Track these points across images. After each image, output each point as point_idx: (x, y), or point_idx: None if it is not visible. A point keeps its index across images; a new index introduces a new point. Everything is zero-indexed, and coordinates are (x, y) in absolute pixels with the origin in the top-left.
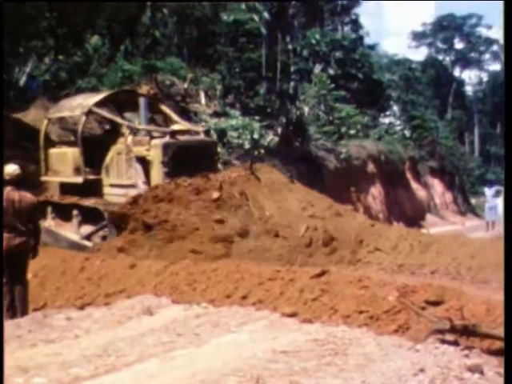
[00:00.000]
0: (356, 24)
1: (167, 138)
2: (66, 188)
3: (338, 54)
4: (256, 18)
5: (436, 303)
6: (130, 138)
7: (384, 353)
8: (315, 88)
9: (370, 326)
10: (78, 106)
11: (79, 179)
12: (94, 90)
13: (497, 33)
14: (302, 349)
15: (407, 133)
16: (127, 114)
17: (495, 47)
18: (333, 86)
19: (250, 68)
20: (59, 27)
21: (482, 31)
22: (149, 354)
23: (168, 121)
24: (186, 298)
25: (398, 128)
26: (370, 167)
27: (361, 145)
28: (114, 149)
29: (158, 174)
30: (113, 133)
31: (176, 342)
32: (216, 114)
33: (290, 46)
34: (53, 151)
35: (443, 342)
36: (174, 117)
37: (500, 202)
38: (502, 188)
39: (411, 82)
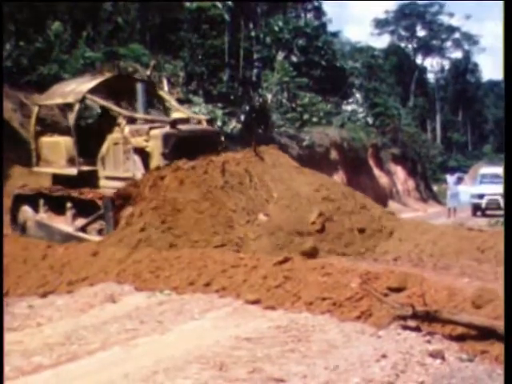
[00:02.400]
0: (319, 11)
1: (167, 128)
2: (58, 179)
3: (301, 42)
4: (219, 4)
5: (398, 290)
6: (127, 129)
7: (347, 339)
8: (278, 75)
9: (333, 313)
10: (71, 92)
11: (73, 171)
12: (56, 77)
13: (458, 21)
14: (265, 336)
15: (370, 120)
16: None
17: (457, 35)
18: (295, 73)
19: (213, 55)
20: (20, 13)
21: (444, 19)
22: (112, 342)
23: (167, 108)
24: (149, 285)
25: (361, 115)
26: (333, 154)
27: (323, 132)
28: (110, 138)
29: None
30: (108, 120)
31: (139, 330)
32: (179, 101)
33: (253, 33)
34: (44, 140)
35: (405, 328)
36: (174, 104)
37: (461, 189)
38: (463, 175)
39: (374, 69)
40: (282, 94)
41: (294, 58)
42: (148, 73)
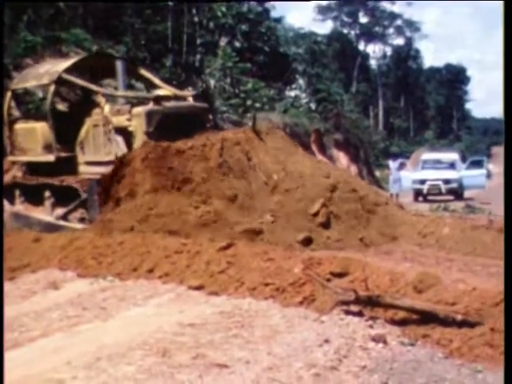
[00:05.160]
0: None
1: (151, 105)
2: (34, 168)
3: (244, 27)
4: None
5: (341, 275)
6: (107, 108)
7: (290, 324)
8: (221, 61)
9: (276, 298)
10: (46, 73)
11: (51, 157)
12: None
13: (400, 7)
14: (209, 321)
15: (313, 106)
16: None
17: (399, 21)
18: (238, 58)
19: (155, 40)
20: None
21: (386, 6)
22: (54, 329)
23: (150, 87)
24: (91, 271)
25: (304, 101)
26: None
27: (267, 118)
28: (90, 121)
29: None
30: (87, 103)
31: (82, 316)
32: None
33: (196, 19)
34: (19, 127)
35: (348, 312)
36: (157, 82)
37: (403, 175)
38: (405, 161)
39: (317, 55)
40: (225, 80)
41: (237, 44)
42: None
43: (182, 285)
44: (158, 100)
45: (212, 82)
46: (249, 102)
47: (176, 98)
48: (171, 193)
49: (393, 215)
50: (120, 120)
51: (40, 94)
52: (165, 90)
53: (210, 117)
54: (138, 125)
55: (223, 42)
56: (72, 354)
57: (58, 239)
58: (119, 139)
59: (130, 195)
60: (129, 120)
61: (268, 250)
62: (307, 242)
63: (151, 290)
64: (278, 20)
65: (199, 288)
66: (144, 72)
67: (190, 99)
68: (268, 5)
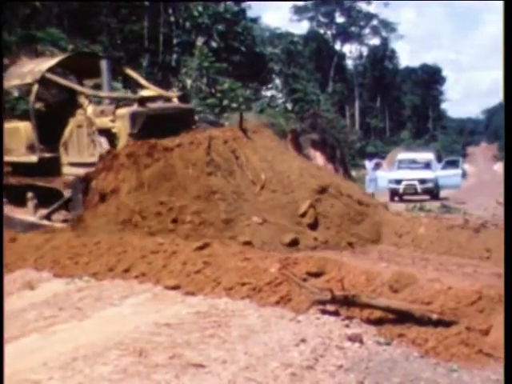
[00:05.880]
0: None
1: (135, 107)
2: (17, 168)
3: (221, 27)
4: None
5: (317, 274)
6: (90, 109)
7: (266, 324)
8: (197, 61)
9: (253, 298)
10: (29, 72)
11: (33, 158)
12: None
13: (376, 8)
14: (185, 321)
15: (289, 106)
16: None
17: (375, 22)
18: (215, 58)
19: (132, 40)
20: None
21: (362, 6)
22: (30, 329)
23: (135, 87)
24: (67, 271)
25: (280, 101)
26: None
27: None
28: (73, 121)
29: None
30: (71, 103)
31: (58, 317)
32: (97, 87)
33: (172, 18)
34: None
35: (324, 312)
36: (143, 82)
37: (379, 175)
38: (381, 160)
39: (293, 55)
40: (202, 80)
41: (214, 44)
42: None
43: (159, 285)
44: (142, 101)
45: (188, 82)
46: (225, 102)
47: (161, 98)
48: (157, 191)
49: (380, 216)
50: (103, 121)
51: (16, 94)
52: (150, 91)
53: (196, 118)
54: (121, 126)
55: (200, 41)
56: (48, 354)
57: (34, 239)
58: (103, 140)
59: (114, 191)
60: (113, 121)
61: (244, 249)
62: (294, 243)
63: (127, 289)
64: (255, 20)
65: (175, 288)
66: (129, 72)
67: (175, 100)
68: (244, 5)
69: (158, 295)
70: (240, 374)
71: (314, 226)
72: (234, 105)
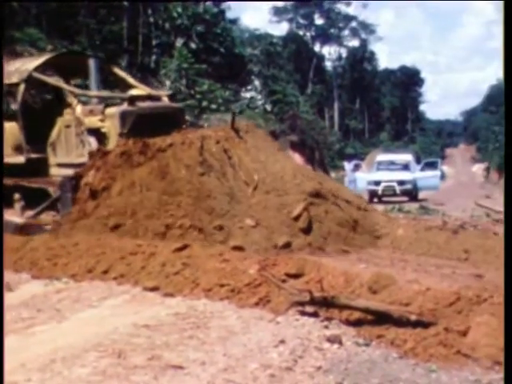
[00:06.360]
0: None
1: (125, 106)
2: (4, 169)
3: (200, 28)
4: None
5: (296, 276)
6: (79, 108)
7: (245, 325)
8: (177, 62)
9: (232, 299)
10: (16, 71)
11: (21, 159)
12: None
13: (355, 9)
14: (164, 323)
15: (268, 107)
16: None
17: (354, 23)
18: (194, 59)
19: (111, 40)
20: None
21: (341, 8)
22: (8, 331)
23: (124, 87)
24: (46, 273)
25: (260, 102)
26: None
27: (222, 119)
28: (61, 121)
29: None
30: (58, 102)
31: (36, 318)
32: (79, 86)
33: (151, 19)
34: None
35: (303, 313)
36: (132, 81)
37: (358, 176)
38: (360, 162)
39: (272, 56)
40: (181, 81)
41: (193, 45)
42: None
43: (137, 286)
44: (132, 100)
45: (167, 83)
46: (204, 103)
47: (151, 97)
48: (148, 192)
49: (372, 218)
50: (93, 121)
51: None
52: (139, 90)
53: (186, 117)
54: (111, 126)
55: (179, 42)
56: (26, 356)
57: (12, 241)
58: (92, 140)
59: (106, 189)
60: (102, 121)
61: (224, 251)
62: (287, 247)
63: (106, 291)
64: (234, 21)
65: (154, 289)
66: (118, 71)
67: (165, 99)
68: (224, 6)
69: (137, 296)
70: (219, 375)
71: (307, 230)
72: (213, 106)
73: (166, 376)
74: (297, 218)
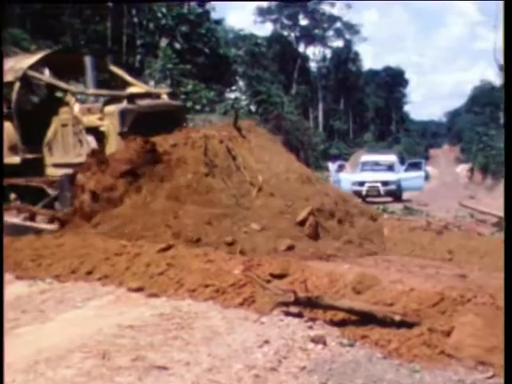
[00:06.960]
0: None
1: (124, 104)
2: None
3: (184, 28)
4: None
5: (281, 276)
6: (76, 107)
7: (230, 326)
8: (161, 62)
9: (216, 300)
10: (10, 70)
11: (16, 159)
12: None
13: (340, 10)
14: (148, 323)
15: (253, 108)
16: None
17: (338, 24)
18: (179, 60)
19: (95, 40)
20: None
21: (326, 8)
22: None
23: (121, 85)
24: (30, 273)
25: (244, 103)
26: None
27: (207, 119)
28: (57, 120)
29: (114, 148)
30: (54, 101)
31: (20, 319)
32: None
33: (136, 19)
34: None
35: (288, 314)
36: (128, 78)
37: (343, 176)
38: (344, 162)
39: (257, 57)
40: (165, 81)
41: (178, 45)
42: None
43: (122, 287)
44: (131, 98)
45: (152, 84)
46: (189, 104)
47: (150, 95)
48: (153, 197)
49: (375, 223)
50: (91, 119)
51: None
52: (138, 87)
53: (186, 115)
54: (110, 124)
55: (163, 43)
56: (10, 357)
57: None
58: (91, 139)
59: (108, 190)
60: (100, 119)
61: (208, 251)
62: (290, 250)
63: (90, 292)
64: (218, 22)
65: (139, 290)
66: (114, 68)
67: (165, 97)
68: (208, 6)
69: (121, 297)
70: (203, 375)
71: (313, 234)
72: (198, 107)
73: (151, 377)
74: (302, 223)
